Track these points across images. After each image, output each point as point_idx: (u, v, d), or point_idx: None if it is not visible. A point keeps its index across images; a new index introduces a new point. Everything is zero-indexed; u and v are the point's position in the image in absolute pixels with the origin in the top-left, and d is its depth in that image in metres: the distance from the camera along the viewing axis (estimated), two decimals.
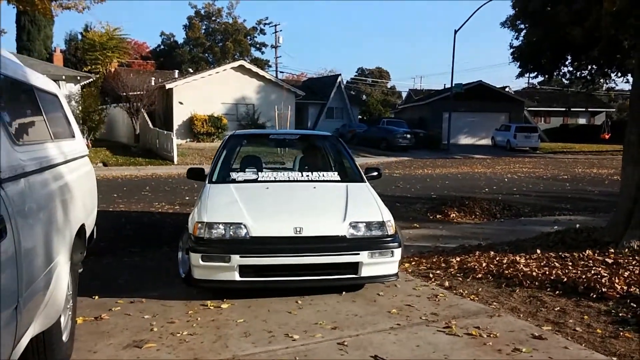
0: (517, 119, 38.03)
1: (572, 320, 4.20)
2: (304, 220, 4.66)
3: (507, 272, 5.35)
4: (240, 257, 4.45)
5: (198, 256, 4.46)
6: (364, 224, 4.73)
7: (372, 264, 4.65)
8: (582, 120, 47.38)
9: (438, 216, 9.53)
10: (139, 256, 6.53)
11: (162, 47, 63.08)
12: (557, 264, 5.40)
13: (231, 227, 4.58)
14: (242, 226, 4.57)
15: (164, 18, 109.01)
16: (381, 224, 4.76)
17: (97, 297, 4.73)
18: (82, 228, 3.89)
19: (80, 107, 22.59)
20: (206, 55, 60.58)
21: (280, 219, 4.72)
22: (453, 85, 32.02)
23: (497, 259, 5.84)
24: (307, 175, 5.65)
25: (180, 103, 26.76)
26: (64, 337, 3.32)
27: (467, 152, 30.94)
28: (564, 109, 45.83)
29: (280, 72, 55.28)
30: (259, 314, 4.31)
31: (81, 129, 22.70)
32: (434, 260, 6.12)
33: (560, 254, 5.72)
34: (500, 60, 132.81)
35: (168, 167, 20.45)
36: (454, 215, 9.48)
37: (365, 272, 4.64)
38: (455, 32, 30.49)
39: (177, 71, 42.50)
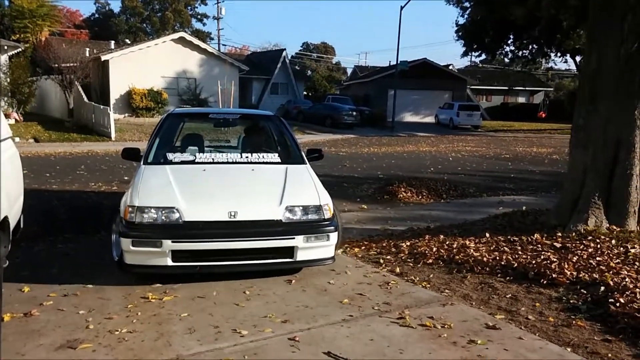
0: (460, 97, 38.71)
1: (524, 307, 4.19)
2: (239, 204, 4.57)
3: (457, 257, 5.31)
4: (173, 242, 4.34)
5: (129, 241, 4.32)
6: (301, 207, 4.68)
7: (308, 248, 4.62)
8: (521, 99, 48.84)
9: (385, 197, 9.46)
10: (74, 242, 6.08)
11: (96, 15, 60.22)
12: (506, 249, 5.42)
13: (163, 212, 4.44)
14: (175, 210, 4.44)
15: None
16: (318, 208, 4.72)
17: (27, 289, 4.36)
18: (4, 221, 3.50)
19: (8, 79, 21.16)
20: (144, 25, 58.30)
21: (214, 203, 4.62)
22: (398, 62, 32.12)
23: (447, 243, 5.80)
24: (247, 157, 5.54)
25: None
26: None
27: (411, 130, 31.29)
28: (505, 88, 47.06)
29: (223, 44, 54.22)
30: (204, 307, 4.08)
31: (10, 102, 21.42)
32: (384, 244, 6.02)
33: (509, 237, 5.75)
34: (446, 38, 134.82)
35: (105, 143, 19.55)
36: (402, 195, 9.46)
37: (301, 256, 4.61)
38: (401, 8, 30.49)
39: (113, 42, 40.41)
